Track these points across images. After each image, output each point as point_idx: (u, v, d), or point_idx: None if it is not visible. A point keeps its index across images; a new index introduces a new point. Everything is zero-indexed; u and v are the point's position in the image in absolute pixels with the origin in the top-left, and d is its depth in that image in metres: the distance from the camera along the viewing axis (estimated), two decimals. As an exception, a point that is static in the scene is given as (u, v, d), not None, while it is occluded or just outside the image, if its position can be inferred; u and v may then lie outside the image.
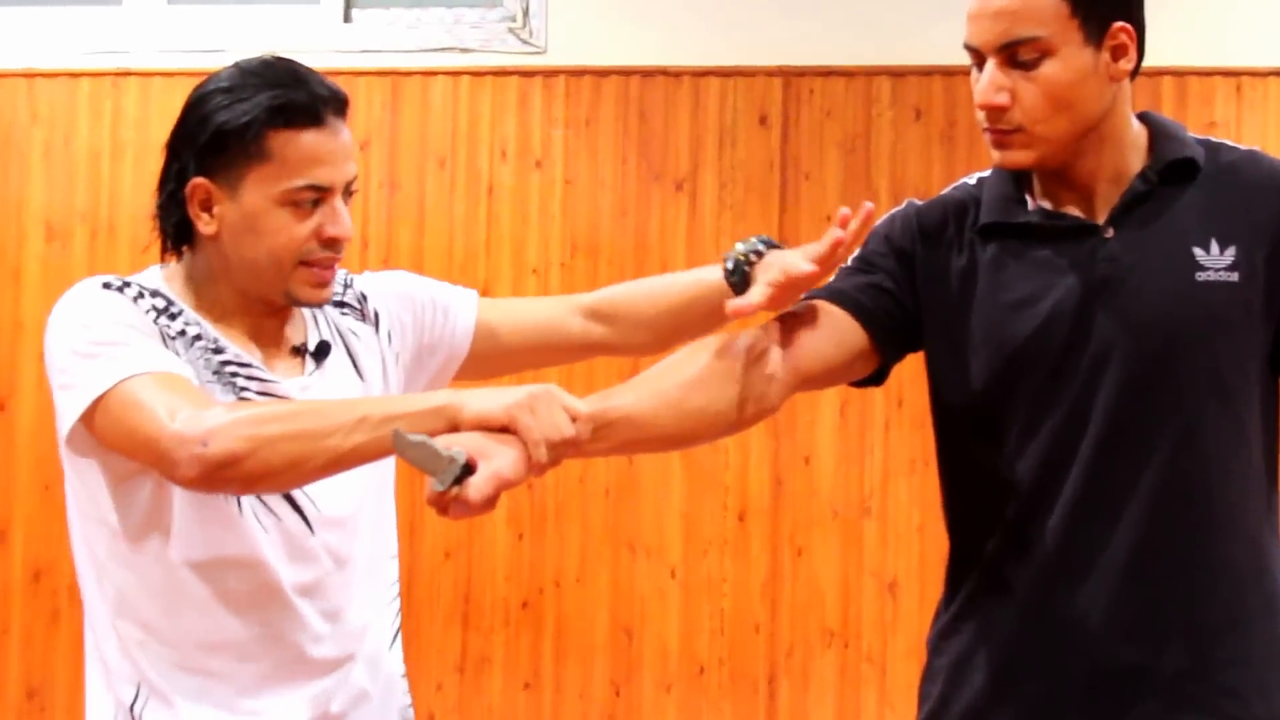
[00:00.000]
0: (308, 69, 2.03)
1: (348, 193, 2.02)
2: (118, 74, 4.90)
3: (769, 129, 4.70)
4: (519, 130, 4.77)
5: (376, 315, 2.19)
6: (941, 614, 2.09)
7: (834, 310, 2.04)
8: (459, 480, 1.69)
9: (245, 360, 2.01)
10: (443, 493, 1.70)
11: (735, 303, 1.95)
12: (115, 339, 1.90)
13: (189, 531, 1.95)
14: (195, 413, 1.81)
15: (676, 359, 2.00)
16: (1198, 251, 1.94)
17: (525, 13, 4.81)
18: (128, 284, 1.99)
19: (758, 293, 1.96)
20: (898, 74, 4.67)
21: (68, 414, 1.91)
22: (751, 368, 1.96)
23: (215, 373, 1.98)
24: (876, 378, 2.11)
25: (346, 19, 4.92)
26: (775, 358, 1.98)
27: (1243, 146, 2.07)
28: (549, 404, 1.77)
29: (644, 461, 4.64)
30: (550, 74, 4.77)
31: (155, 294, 2.00)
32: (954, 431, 2.07)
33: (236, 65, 2.02)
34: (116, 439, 1.88)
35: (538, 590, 4.72)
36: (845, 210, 1.93)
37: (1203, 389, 1.93)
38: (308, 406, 1.88)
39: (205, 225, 1.98)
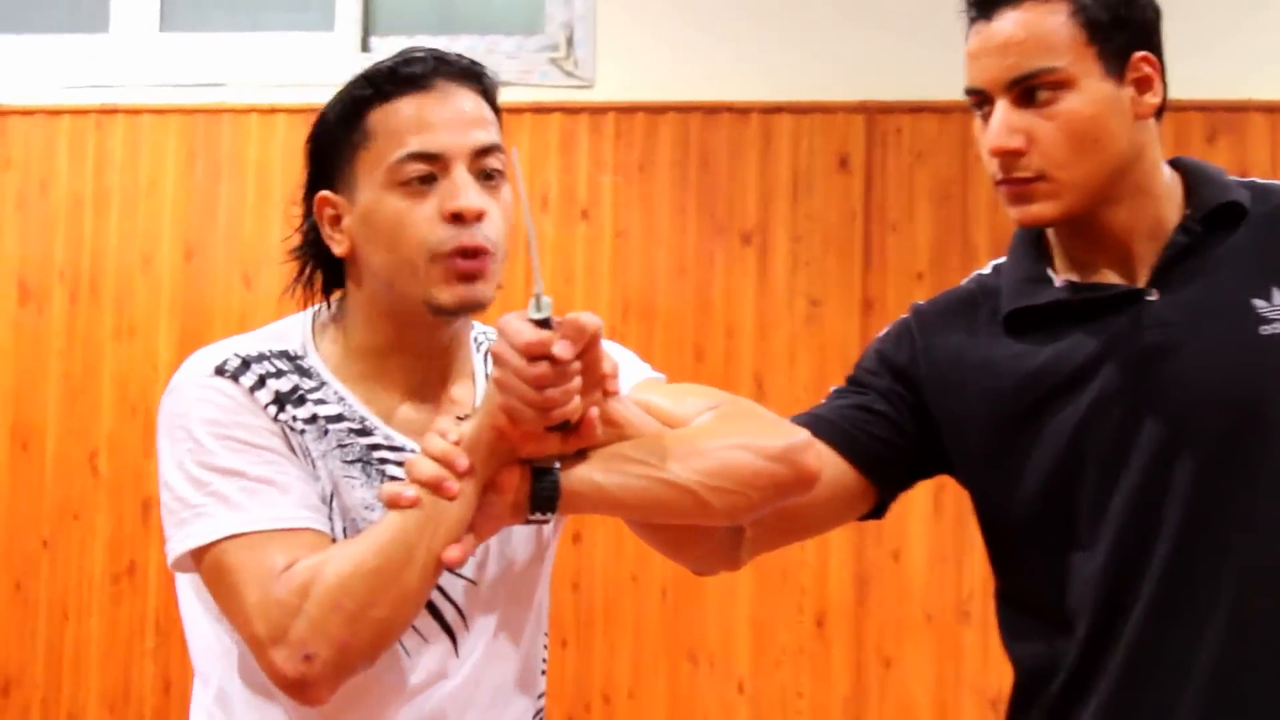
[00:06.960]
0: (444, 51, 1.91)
1: (483, 174, 1.85)
2: (102, 110, 4.73)
3: (850, 174, 4.48)
4: (562, 175, 4.57)
5: None
6: None
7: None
8: (547, 324, 1.63)
9: (398, 444, 1.86)
10: (540, 322, 1.62)
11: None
12: (225, 467, 1.78)
13: None
14: (282, 608, 1.69)
15: None
16: (1257, 302, 1.88)
17: (569, 41, 4.64)
18: (247, 364, 1.84)
19: None
20: (1001, 110, 4.36)
21: (172, 546, 1.81)
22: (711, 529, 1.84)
23: (359, 460, 1.85)
24: (876, 512, 2.04)
25: (364, 48, 4.77)
26: None
27: None
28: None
29: (706, 557, 4.25)
30: (598, 111, 4.56)
31: (287, 361, 1.88)
32: (1007, 552, 1.99)
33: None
34: (218, 603, 1.79)
35: (584, 706, 4.49)
36: None
37: None
38: (366, 548, 1.73)
39: (338, 245, 1.88)
